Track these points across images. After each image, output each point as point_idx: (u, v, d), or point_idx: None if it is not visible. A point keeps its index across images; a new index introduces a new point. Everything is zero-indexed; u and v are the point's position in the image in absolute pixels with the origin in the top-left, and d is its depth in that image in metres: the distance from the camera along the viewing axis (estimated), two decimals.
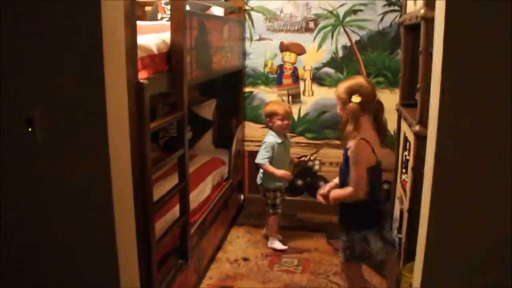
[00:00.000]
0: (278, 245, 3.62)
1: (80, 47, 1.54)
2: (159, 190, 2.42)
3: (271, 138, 3.56)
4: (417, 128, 2.32)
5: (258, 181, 3.68)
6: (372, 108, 2.47)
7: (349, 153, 2.42)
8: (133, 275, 1.86)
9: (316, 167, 4.19)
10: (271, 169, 3.52)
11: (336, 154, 4.10)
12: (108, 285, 1.73)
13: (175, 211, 2.61)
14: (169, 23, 2.51)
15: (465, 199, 1.36)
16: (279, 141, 3.55)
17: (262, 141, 3.62)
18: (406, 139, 2.82)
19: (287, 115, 3.52)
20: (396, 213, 2.87)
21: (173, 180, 2.69)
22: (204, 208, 3.16)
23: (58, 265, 1.76)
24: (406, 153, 2.81)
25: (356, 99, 2.39)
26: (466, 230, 1.38)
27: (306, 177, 4.22)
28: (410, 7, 2.89)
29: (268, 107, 3.59)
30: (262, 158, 3.54)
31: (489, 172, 1.32)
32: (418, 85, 2.31)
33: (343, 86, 2.47)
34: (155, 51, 2.24)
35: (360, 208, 2.44)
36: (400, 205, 2.78)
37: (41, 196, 1.68)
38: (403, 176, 2.86)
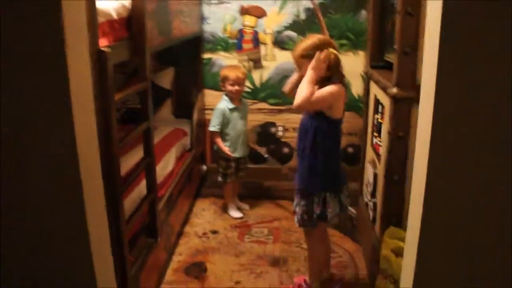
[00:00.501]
0: (233, 212, 3.60)
1: (39, 17, 1.34)
2: (123, 166, 2.26)
3: (223, 103, 3.50)
4: (394, 90, 2.24)
5: (214, 147, 3.60)
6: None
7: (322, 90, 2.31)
8: (107, 261, 1.72)
9: (280, 133, 4.09)
10: (217, 139, 3.51)
11: (300, 120, 4.01)
12: (82, 273, 1.59)
13: (142, 187, 2.46)
14: None
15: (468, 162, 1.29)
16: (231, 106, 3.48)
17: None
18: (377, 102, 2.75)
19: (239, 80, 3.43)
20: (369, 177, 2.82)
21: (136, 155, 2.55)
22: (169, 182, 3.01)
23: (25, 250, 1.59)
24: (377, 116, 2.74)
25: (333, 51, 2.32)
26: (469, 199, 1.31)
27: (269, 144, 4.12)
28: None
29: (222, 72, 3.53)
30: (212, 125, 3.51)
31: (494, 136, 1.25)
32: (395, 46, 2.22)
33: (311, 42, 2.35)
34: (115, 16, 2.04)
35: (322, 167, 2.40)
36: (373, 169, 2.73)
37: (4, 177, 1.50)
38: (375, 140, 2.80)
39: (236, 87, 3.42)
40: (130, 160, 2.57)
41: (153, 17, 2.39)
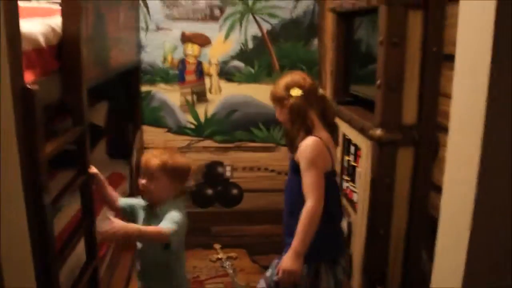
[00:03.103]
0: None
1: None
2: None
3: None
4: (378, 132, 1.93)
5: None
6: (319, 104, 2.06)
7: (300, 154, 1.95)
8: None
9: (228, 173, 3.72)
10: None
11: (250, 158, 3.67)
12: None
13: (79, 252, 1.98)
14: (52, 5, 1.90)
15: None
16: (142, 203, 2.16)
17: None
18: (347, 142, 2.46)
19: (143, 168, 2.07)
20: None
21: (69, 209, 2.10)
22: None
23: None
24: (348, 158, 2.44)
25: (296, 92, 1.98)
26: None
27: (217, 185, 3.72)
28: None
29: None
30: None
31: None
32: (378, 81, 1.93)
33: (282, 83, 2.05)
34: (43, 43, 1.61)
35: (319, 231, 1.89)
36: (346, 218, 2.41)
37: None
38: (346, 184, 2.49)
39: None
40: (62, 218, 2.10)
41: (88, 45, 1.97)
